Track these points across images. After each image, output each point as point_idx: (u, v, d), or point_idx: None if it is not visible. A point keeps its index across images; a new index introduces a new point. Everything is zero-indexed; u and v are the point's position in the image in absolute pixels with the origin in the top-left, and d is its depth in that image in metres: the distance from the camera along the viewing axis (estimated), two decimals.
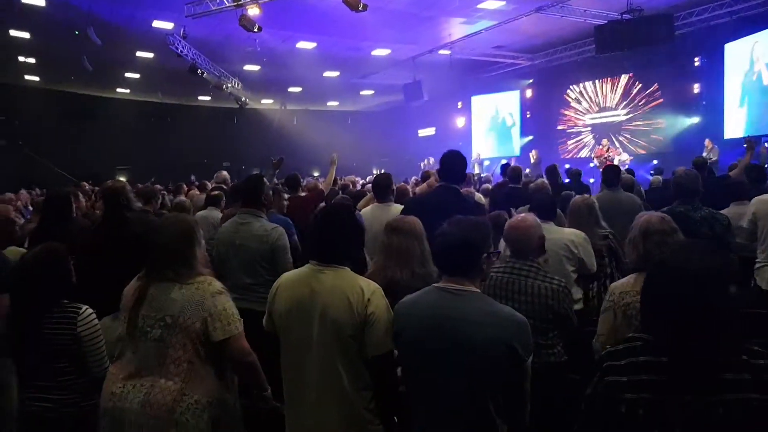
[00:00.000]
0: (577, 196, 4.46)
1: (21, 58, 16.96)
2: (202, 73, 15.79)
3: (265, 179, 4.00)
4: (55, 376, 2.62)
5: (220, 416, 2.34)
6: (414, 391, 2.07)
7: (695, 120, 14.59)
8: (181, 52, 14.21)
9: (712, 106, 14.15)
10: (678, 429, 1.48)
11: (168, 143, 22.78)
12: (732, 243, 3.84)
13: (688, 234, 3.64)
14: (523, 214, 3.10)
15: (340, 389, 2.15)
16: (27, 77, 19.75)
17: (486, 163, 19.19)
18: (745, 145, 7.03)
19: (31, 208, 9.00)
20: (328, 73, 19.11)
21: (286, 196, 5.26)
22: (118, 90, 21.85)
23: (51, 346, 2.60)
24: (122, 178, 14.44)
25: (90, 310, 2.68)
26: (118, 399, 2.31)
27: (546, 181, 6.93)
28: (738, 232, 4.28)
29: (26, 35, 14.32)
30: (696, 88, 14.63)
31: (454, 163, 3.70)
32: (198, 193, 8.47)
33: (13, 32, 14.04)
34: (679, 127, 15.02)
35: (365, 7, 10.53)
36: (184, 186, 10.22)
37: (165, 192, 9.37)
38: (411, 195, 5.62)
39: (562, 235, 3.69)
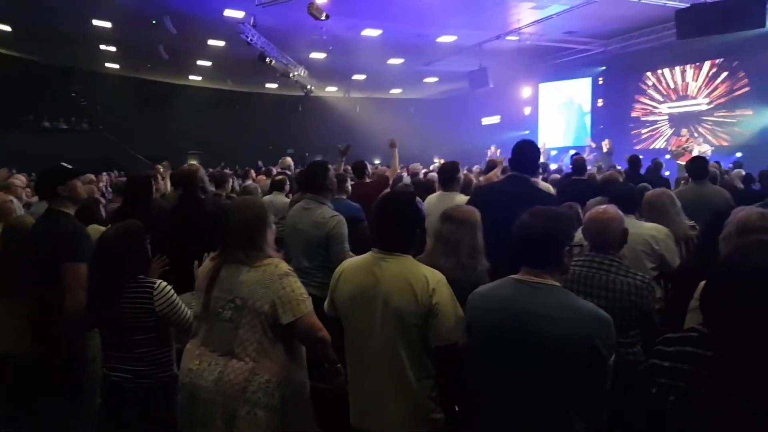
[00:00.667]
0: (655, 188, 4.25)
1: (102, 47, 17.80)
2: (271, 61, 16.07)
3: (329, 166, 4.01)
4: (132, 348, 2.71)
5: (290, 395, 2.38)
6: (485, 384, 2.01)
7: None
8: (251, 40, 14.50)
9: None
10: (707, 425, 1.44)
11: (236, 130, 23.43)
12: None
13: None
14: (604, 206, 2.95)
15: (402, 377, 2.14)
16: (108, 65, 20.73)
17: (553, 153, 18.66)
18: None
19: (110, 189, 9.45)
20: (392, 61, 19.06)
21: (350, 182, 5.27)
22: (191, 77, 22.61)
23: (128, 319, 2.69)
24: (193, 163, 14.95)
25: (165, 284, 2.77)
26: (194, 375, 2.39)
27: (617, 173, 6.64)
28: None
29: (108, 25, 14.98)
30: None
31: (525, 153, 3.59)
32: (264, 178, 8.65)
33: (96, 22, 14.72)
34: (766, 118, 14.06)
35: (327, 16, 11.32)
36: (252, 171, 10.47)
37: (234, 177, 9.63)
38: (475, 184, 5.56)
39: (642, 229, 3.50)
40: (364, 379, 2.24)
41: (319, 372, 2.55)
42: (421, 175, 9.35)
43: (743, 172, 8.64)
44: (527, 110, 21.29)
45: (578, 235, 2.99)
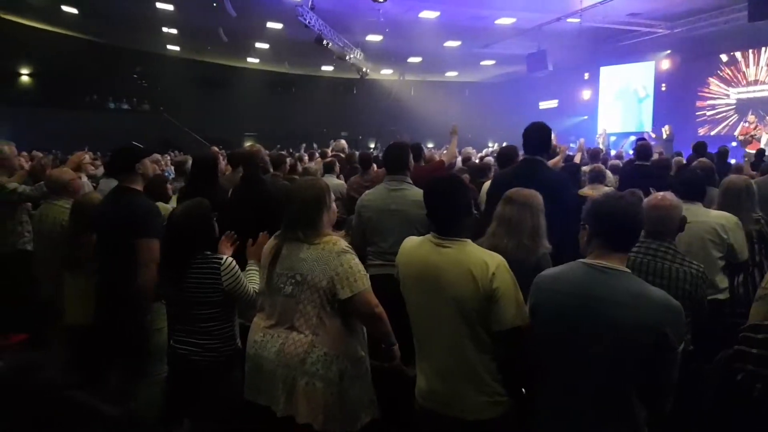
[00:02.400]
0: (734, 175, 4.12)
1: (164, 29, 18.34)
2: (327, 43, 16.17)
3: (408, 146, 4.04)
4: (199, 322, 2.84)
5: (348, 369, 2.46)
6: (549, 368, 2.01)
7: None
8: (309, 22, 14.63)
9: None
10: None
11: (292, 112, 23.76)
12: None
13: None
14: (662, 193, 2.89)
15: (466, 360, 2.15)
16: (169, 47, 21.34)
17: (612, 139, 18.13)
18: None
19: (172, 167, 9.79)
20: (449, 43, 18.85)
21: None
22: (249, 60, 23.02)
23: (195, 293, 2.81)
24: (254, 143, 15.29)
25: (231, 260, 2.88)
26: (259, 347, 2.52)
27: (707, 160, 6.38)
28: None
29: (170, 7, 15.41)
30: None
31: (534, 135, 3.67)
32: (320, 160, 8.78)
33: (158, 5, 15.16)
34: None
35: None
36: (305, 155, 10.61)
37: (297, 158, 9.80)
38: None
39: (710, 217, 3.39)
40: (430, 360, 2.27)
41: (377, 352, 2.61)
42: (476, 159, 9.28)
43: None
44: (587, 94, 20.69)
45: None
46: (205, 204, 2.97)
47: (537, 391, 2.06)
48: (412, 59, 21.62)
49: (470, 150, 11.00)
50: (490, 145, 18.54)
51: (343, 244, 2.51)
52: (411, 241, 2.40)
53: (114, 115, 21.16)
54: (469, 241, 2.24)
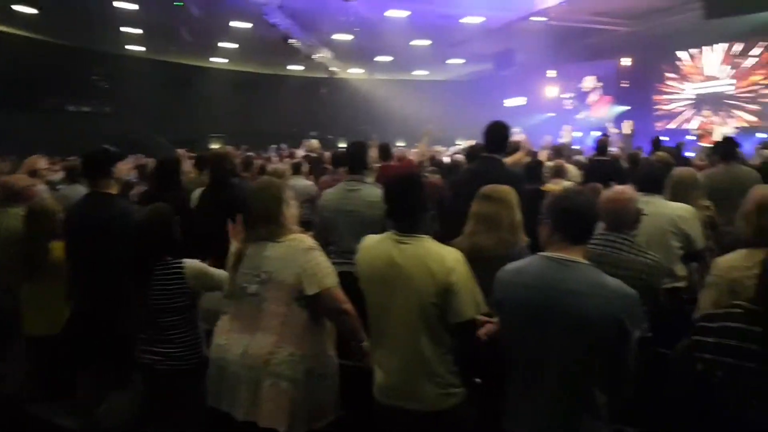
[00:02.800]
0: (680, 167, 4.27)
1: (125, 29, 17.92)
2: (295, 42, 16.05)
3: (368, 145, 4.08)
4: (162, 330, 2.80)
5: (315, 369, 2.46)
6: (514, 358, 2.07)
7: None
8: (275, 21, 14.50)
9: None
10: (754, 398, 1.51)
11: (260, 112, 23.49)
12: None
13: None
14: (620, 187, 2.99)
15: (423, 354, 2.20)
16: (130, 47, 20.87)
17: (577, 135, 18.43)
18: None
19: (135, 171, 9.59)
20: (418, 42, 18.89)
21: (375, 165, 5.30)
22: (213, 59, 22.69)
23: (158, 300, 2.78)
24: (215, 146, 15.11)
25: (193, 261, 2.87)
26: (223, 350, 2.50)
27: (665, 154, 6.55)
28: None
29: (133, 6, 15.08)
30: None
31: (494, 134, 3.85)
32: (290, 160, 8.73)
33: (117, 4, 14.78)
34: None
35: None
36: (273, 156, 10.52)
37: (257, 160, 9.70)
38: None
39: (669, 209, 3.51)
40: (388, 356, 2.30)
41: (346, 350, 2.61)
42: (447, 158, 9.35)
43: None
44: (552, 91, 20.98)
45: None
46: (166, 209, 2.93)
47: (497, 380, 2.11)
48: (382, 58, 21.61)
49: (439, 148, 11.07)
50: (458, 143, 18.66)
51: (310, 241, 2.54)
52: (371, 239, 2.43)
53: (74, 118, 20.59)
54: (427, 237, 2.29)
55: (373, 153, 5.53)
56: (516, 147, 6.27)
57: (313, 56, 18.33)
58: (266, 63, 22.82)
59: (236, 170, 4.38)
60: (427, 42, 18.84)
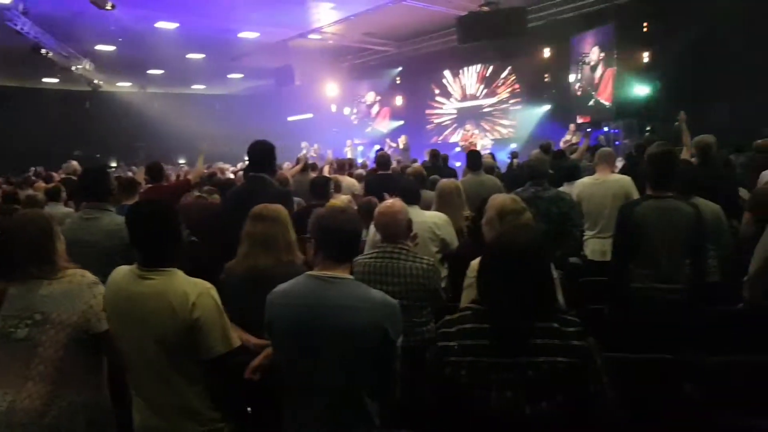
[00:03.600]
0: (444, 179, 4.72)
1: None
2: (47, 52, 14.31)
3: (109, 169, 3.78)
4: None
5: (97, 419, 2.25)
6: (287, 378, 2.07)
7: (547, 107, 15.81)
8: (22, 29, 12.77)
9: (562, 93, 15.43)
10: (494, 389, 1.69)
11: (11, 130, 20.43)
12: (575, 219, 4.25)
13: (539, 213, 4.02)
14: (391, 200, 3.20)
15: (179, 393, 2.11)
16: None
17: (360, 148, 19.42)
18: (582, 132, 7.78)
19: None
20: (192, 55, 18.19)
21: (143, 186, 4.97)
22: None
23: None
24: None
25: None
26: None
27: (419, 166, 7.16)
28: None
29: None
30: (547, 77, 15.86)
31: (258, 153, 3.88)
32: (43, 185, 7.74)
33: None
34: (534, 112, 16.19)
35: (113, 6, 10.78)
36: (32, 178, 9.27)
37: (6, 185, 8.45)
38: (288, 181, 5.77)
39: (426, 218, 3.87)
40: (143, 396, 2.17)
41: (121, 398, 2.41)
42: (231, 174, 9.13)
43: (516, 162, 9.95)
44: (335, 107, 21.79)
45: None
46: None
47: (282, 400, 2.10)
48: (153, 71, 20.35)
49: (222, 165, 10.80)
50: (246, 159, 18.36)
51: (92, 276, 2.33)
52: (118, 272, 2.24)
53: None
54: (175, 270, 2.15)
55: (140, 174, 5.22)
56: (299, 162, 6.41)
57: (73, 68, 16.52)
58: (15, 75, 19.98)
59: None
60: (200, 55, 18.24)
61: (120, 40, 15.07)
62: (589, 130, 7.57)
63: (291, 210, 3.14)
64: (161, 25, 14.68)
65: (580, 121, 13.71)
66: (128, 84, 22.51)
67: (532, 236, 1.83)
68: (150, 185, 5.23)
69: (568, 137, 12.32)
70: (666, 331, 3.24)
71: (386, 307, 1.99)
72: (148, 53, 16.83)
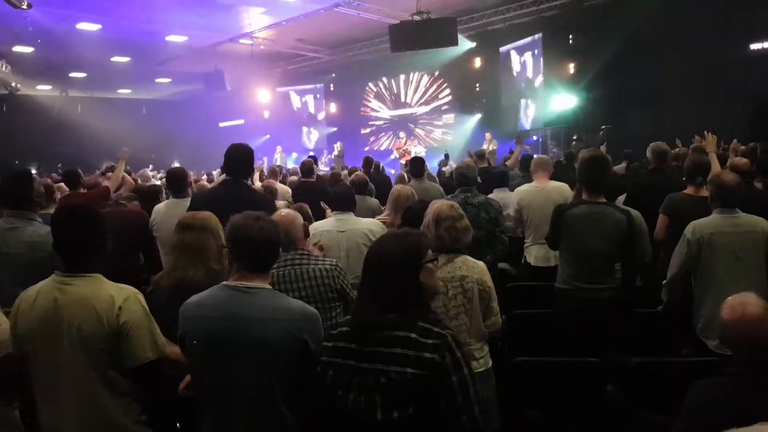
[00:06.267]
0: (399, 185, 4.74)
1: None
2: None
3: (34, 175, 3.52)
4: None
5: None
6: (204, 391, 1.99)
7: (478, 116, 16.20)
8: None
9: (492, 103, 15.86)
10: (352, 392, 1.71)
11: None
12: (503, 225, 4.34)
13: (469, 219, 4.07)
14: (285, 211, 3.14)
15: (101, 407, 1.99)
16: None
17: (294, 155, 19.24)
18: (515, 140, 8.02)
19: None
20: (117, 58, 17.48)
21: (58, 194, 4.68)
22: None
23: None
24: None
25: None
26: None
27: (362, 173, 7.13)
28: (507, 218, 4.82)
29: None
30: (478, 87, 16.27)
31: (239, 156, 3.61)
32: None
33: None
34: (466, 121, 16.55)
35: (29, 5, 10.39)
36: None
37: None
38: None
39: (361, 225, 3.84)
40: (61, 416, 2.02)
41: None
42: (157, 181, 8.81)
43: (447, 169, 10.14)
44: (267, 114, 21.49)
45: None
46: None
47: (192, 420, 2.02)
48: (75, 74, 19.41)
49: (147, 172, 10.40)
50: (176, 164, 17.80)
51: None
52: (28, 290, 2.11)
53: None
54: (99, 276, 2.06)
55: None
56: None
57: None
58: None
59: None
60: (126, 59, 17.57)
61: (39, 41, 14.27)
62: (520, 136, 7.80)
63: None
64: (83, 26, 14.04)
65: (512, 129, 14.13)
66: (48, 87, 21.38)
67: (402, 246, 1.80)
68: (68, 192, 4.95)
69: (485, 146, 12.62)
70: (590, 331, 3.37)
71: (305, 317, 1.95)
72: (70, 55, 16.05)
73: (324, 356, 1.79)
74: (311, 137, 20.90)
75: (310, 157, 8.40)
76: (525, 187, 5.08)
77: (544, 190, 4.87)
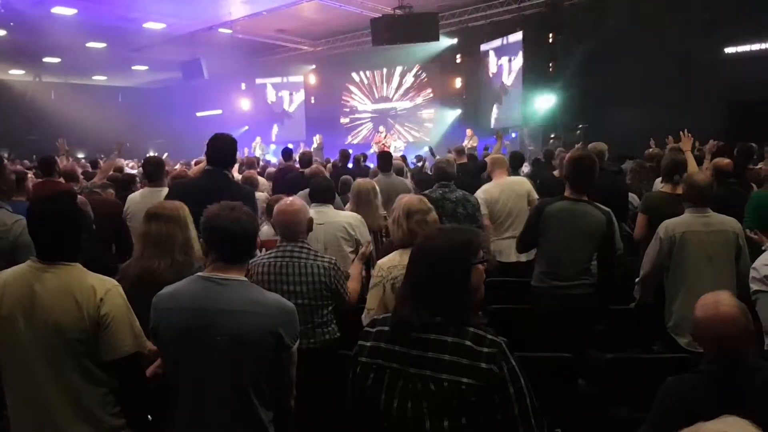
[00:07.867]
0: (361, 179, 4.67)
1: None
2: None
3: (6, 162, 3.42)
4: None
5: None
6: (177, 385, 1.95)
7: (458, 111, 16.26)
8: None
9: (472, 99, 15.92)
10: (397, 398, 1.59)
11: None
12: (480, 220, 4.36)
13: (447, 214, 4.08)
14: (291, 198, 3.12)
15: (76, 398, 1.95)
16: None
17: (272, 147, 19.08)
18: (495, 136, 8.06)
19: None
20: (92, 44, 17.12)
21: (32, 181, 4.57)
22: None
23: None
24: None
25: None
26: None
27: (320, 167, 7.12)
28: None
29: None
30: (458, 83, 16.31)
31: (223, 146, 3.53)
32: None
33: None
34: (446, 117, 16.60)
35: None
36: None
37: None
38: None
39: (339, 218, 3.83)
40: (30, 406, 1.98)
41: None
42: (133, 170, 8.69)
43: (422, 165, 10.20)
44: (245, 104, 21.24)
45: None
46: None
47: (166, 414, 1.98)
48: (49, 59, 18.97)
49: (121, 162, 10.23)
50: (151, 153, 17.52)
51: None
52: (8, 272, 2.05)
53: None
54: (78, 265, 2.01)
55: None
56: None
57: None
58: None
59: None
60: (101, 44, 17.21)
61: (12, 24, 13.92)
62: (500, 132, 7.85)
63: (255, 211, 2.92)
64: (58, 10, 13.71)
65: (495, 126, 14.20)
66: (21, 72, 20.86)
67: (451, 241, 1.64)
68: (40, 180, 4.83)
69: (465, 142, 12.68)
70: (567, 327, 3.40)
71: (280, 311, 1.92)
72: (44, 40, 15.64)
73: (363, 357, 1.66)
74: (282, 134, 20.67)
75: (286, 149, 8.32)
76: (487, 186, 5.15)
77: (506, 185, 4.99)
